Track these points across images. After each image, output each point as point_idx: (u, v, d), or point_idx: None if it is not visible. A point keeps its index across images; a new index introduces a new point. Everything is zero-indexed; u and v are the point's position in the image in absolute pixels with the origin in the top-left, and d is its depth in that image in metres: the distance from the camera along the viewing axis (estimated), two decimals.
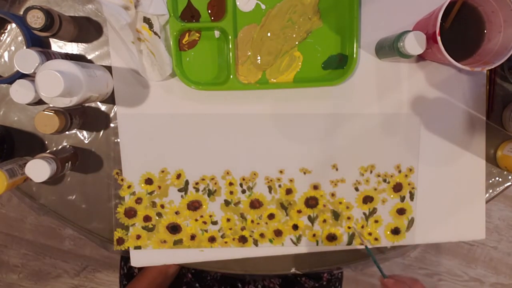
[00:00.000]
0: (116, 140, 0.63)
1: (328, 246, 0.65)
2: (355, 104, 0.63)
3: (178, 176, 0.63)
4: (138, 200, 0.64)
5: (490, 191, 0.67)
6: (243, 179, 0.64)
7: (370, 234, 0.65)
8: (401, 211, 0.65)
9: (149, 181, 0.63)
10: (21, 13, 0.60)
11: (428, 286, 1.43)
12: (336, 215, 0.65)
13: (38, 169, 0.55)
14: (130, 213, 0.64)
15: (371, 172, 0.64)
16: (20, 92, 0.55)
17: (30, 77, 0.58)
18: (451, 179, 0.65)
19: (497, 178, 0.67)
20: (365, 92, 0.63)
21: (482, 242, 1.41)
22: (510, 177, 0.67)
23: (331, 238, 0.65)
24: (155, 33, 0.58)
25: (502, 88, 0.65)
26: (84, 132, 0.64)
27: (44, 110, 0.55)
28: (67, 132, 0.63)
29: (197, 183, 0.64)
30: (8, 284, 1.42)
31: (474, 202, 0.66)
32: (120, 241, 0.65)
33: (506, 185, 0.67)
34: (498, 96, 0.65)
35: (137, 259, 0.65)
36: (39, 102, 0.60)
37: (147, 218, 0.64)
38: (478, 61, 0.55)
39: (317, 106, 0.63)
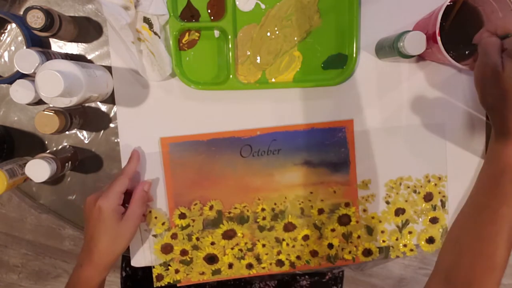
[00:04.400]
0: (116, 140, 0.63)
1: (365, 261, 0.65)
2: (355, 104, 0.63)
3: (211, 207, 0.63)
4: (174, 236, 0.63)
5: None
6: (275, 204, 0.63)
7: (405, 245, 0.65)
8: (434, 220, 0.65)
9: (182, 216, 0.63)
10: (21, 13, 0.60)
11: None
12: (369, 230, 0.65)
13: (38, 169, 0.55)
14: (167, 248, 0.63)
15: (400, 184, 0.64)
16: (20, 92, 0.55)
17: (30, 77, 0.58)
18: (451, 179, 0.65)
19: None
20: (365, 92, 0.63)
21: None
22: None
23: (367, 253, 0.65)
24: (155, 33, 0.58)
25: None
26: (84, 132, 0.64)
27: (44, 110, 0.55)
28: (67, 132, 0.63)
29: (229, 212, 0.63)
30: (8, 284, 1.42)
31: None
32: (160, 277, 0.64)
33: None
34: None
35: (138, 259, 0.65)
36: (39, 102, 0.60)
37: (184, 252, 0.64)
38: None
39: (317, 106, 0.63)
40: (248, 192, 0.63)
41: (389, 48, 0.57)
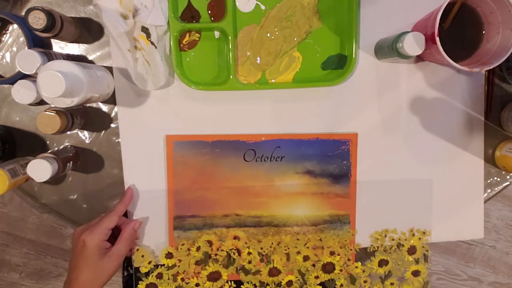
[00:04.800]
0: (117, 140, 0.64)
1: None
2: (354, 104, 0.63)
3: (198, 248, 0.63)
4: (159, 275, 0.63)
5: (489, 190, 0.67)
6: (261, 248, 0.64)
7: None
8: (415, 273, 0.66)
9: (169, 255, 0.63)
10: (23, 14, 0.61)
11: None
12: (352, 279, 0.65)
13: (39, 169, 0.55)
14: None
15: (385, 236, 0.65)
16: (22, 93, 0.56)
17: (32, 77, 0.58)
18: (450, 179, 0.66)
19: (495, 178, 0.67)
20: (364, 92, 0.63)
21: (480, 241, 1.42)
22: (508, 177, 0.67)
23: None
24: (152, 43, 0.57)
25: (500, 89, 0.65)
26: (85, 132, 0.64)
27: (45, 111, 0.56)
28: (68, 132, 0.63)
29: (216, 254, 0.63)
30: (10, 283, 1.43)
31: (472, 202, 0.67)
32: None
33: (504, 184, 0.67)
34: (496, 96, 0.65)
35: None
36: (41, 102, 0.60)
37: None
38: (477, 62, 0.55)
39: (316, 106, 0.63)
40: (247, 197, 0.63)
41: (388, 49, 0.57)
